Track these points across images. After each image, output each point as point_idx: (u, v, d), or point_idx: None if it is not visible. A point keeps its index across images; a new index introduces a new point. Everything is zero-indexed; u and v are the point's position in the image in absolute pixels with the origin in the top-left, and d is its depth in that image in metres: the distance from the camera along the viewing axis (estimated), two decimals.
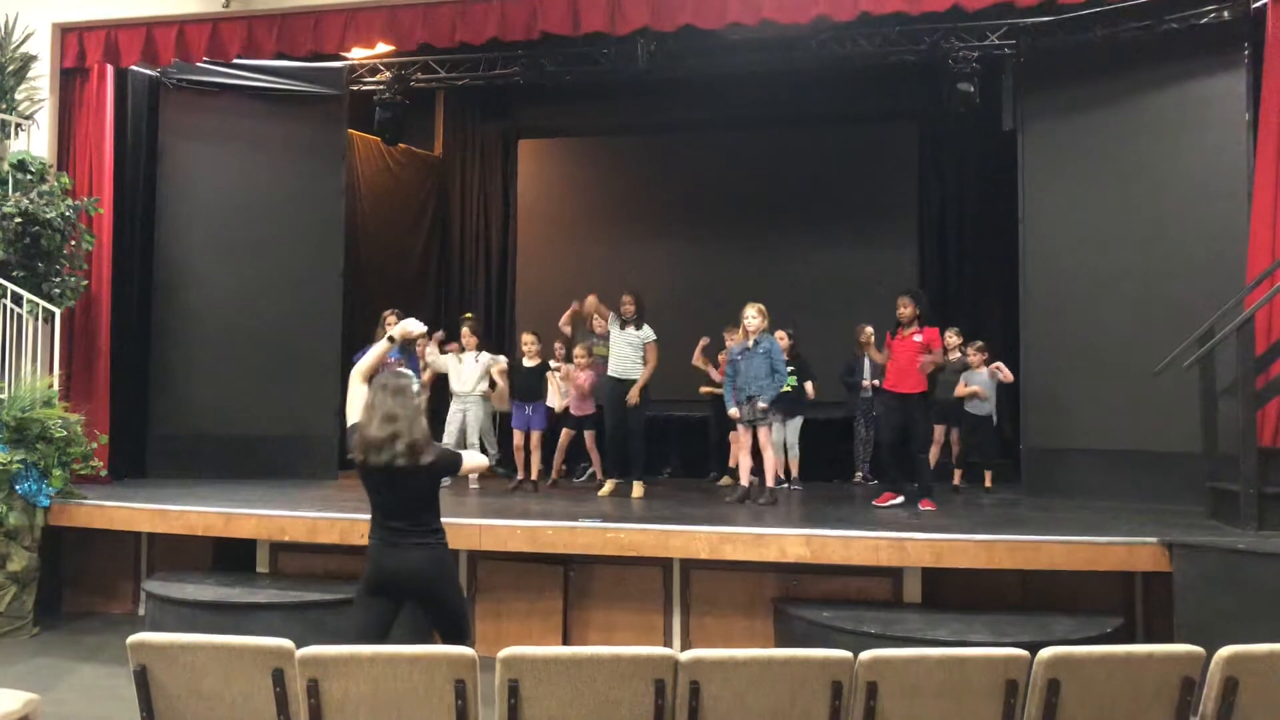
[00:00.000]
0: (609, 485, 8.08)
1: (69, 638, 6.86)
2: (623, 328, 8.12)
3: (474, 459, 4.57)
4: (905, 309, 7.25)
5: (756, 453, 7.54)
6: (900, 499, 7.27)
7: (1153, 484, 7.18)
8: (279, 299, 9.05)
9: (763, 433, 7.46)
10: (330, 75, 9.46)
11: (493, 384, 8.41)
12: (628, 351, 8.05)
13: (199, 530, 6.76)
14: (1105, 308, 7.67)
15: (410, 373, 5.01)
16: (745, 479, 7.58)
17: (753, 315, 7.46)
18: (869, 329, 8.95)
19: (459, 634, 4.09)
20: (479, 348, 8.53)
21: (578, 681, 2.99)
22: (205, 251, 9.06)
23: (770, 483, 7.57)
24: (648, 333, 8.06)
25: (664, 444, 10.33)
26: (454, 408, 8.49)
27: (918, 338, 7.19)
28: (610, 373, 8.17)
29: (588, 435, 8.87)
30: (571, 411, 8.76)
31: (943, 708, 3.04)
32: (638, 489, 7.93)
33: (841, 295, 10.19)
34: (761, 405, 7.35)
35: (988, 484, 8.50)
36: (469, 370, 8.46)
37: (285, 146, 9.31)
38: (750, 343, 7.45)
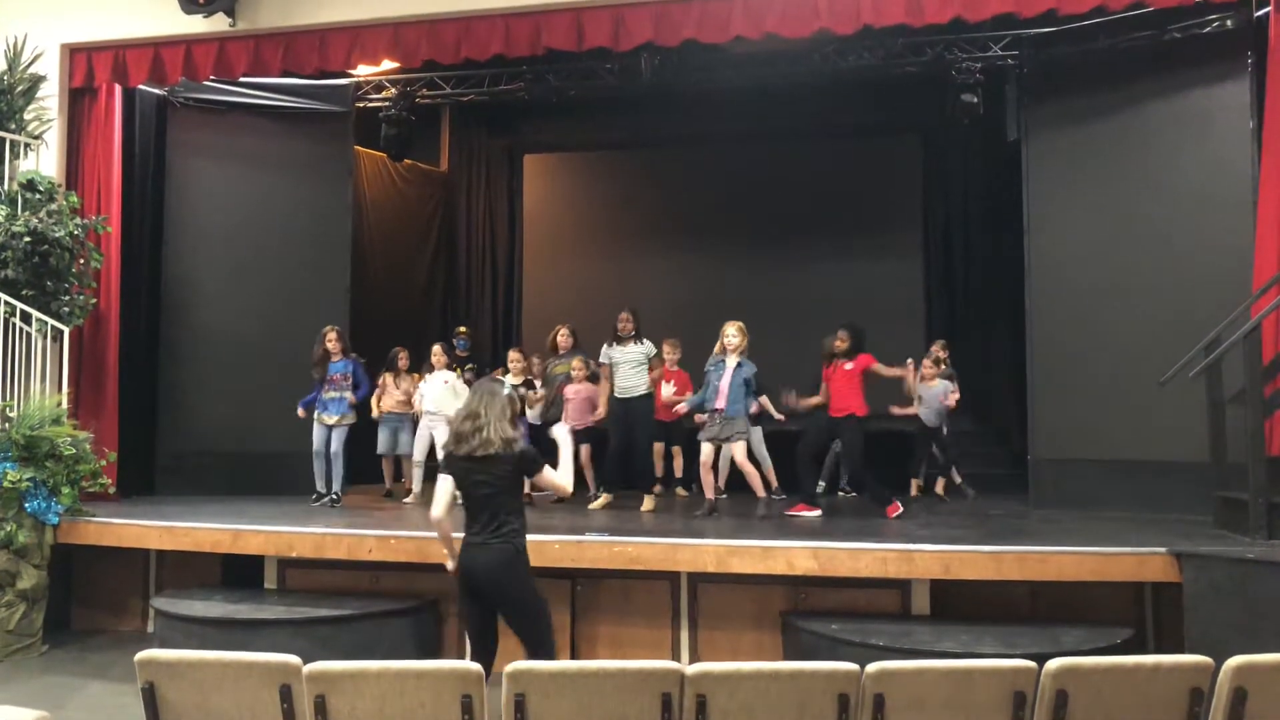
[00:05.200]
0: (649, 501, 7.95)
1: (78, 655, 6.86)
2: (621, 344, 8.08)
3: (555, 476, 4.60)
4: (843, 343, 7.55)
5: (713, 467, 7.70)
6: (817, 511, 7.48)
7: (1161, 494, 7.15)
8: (286, 316, 9.08)
9: (739, 448, 7.50)
10: (336, 92, 9.52)
11: None
12: (631, 370, 8.02)
13: (207, 547, 6.77)
14: (1111, 317, 7.65)
15: (503, 380, 5.13)
16: (710, 493, 7.58)
17: (733, 334, 7.51)
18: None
19: (535, 638, 4.32)
20: (448, 367, 8.52)
21: (584, 696, 3.00)
22: (213, 269, 9.11)
23: (760, 494, 7.61)
24: (649, 346, 8.10)
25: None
26: (422, 425, 8.46)
27: (848, 366, 7.50)
28: (616, 394, 8.08)
29: (583, 450, 8.81)
30: (573, 426, 8.69)
31: None
32: (649, 502, 7.90)
33: (846, 309, 10.20)
34: (740, 430, 7.45)
35: (940, 491, 8.91)
36: (435, 390, 8.38)
37: (292, 164, 9.36)
38: (733, 363, 7.44)
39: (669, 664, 3.07)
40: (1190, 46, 7.50)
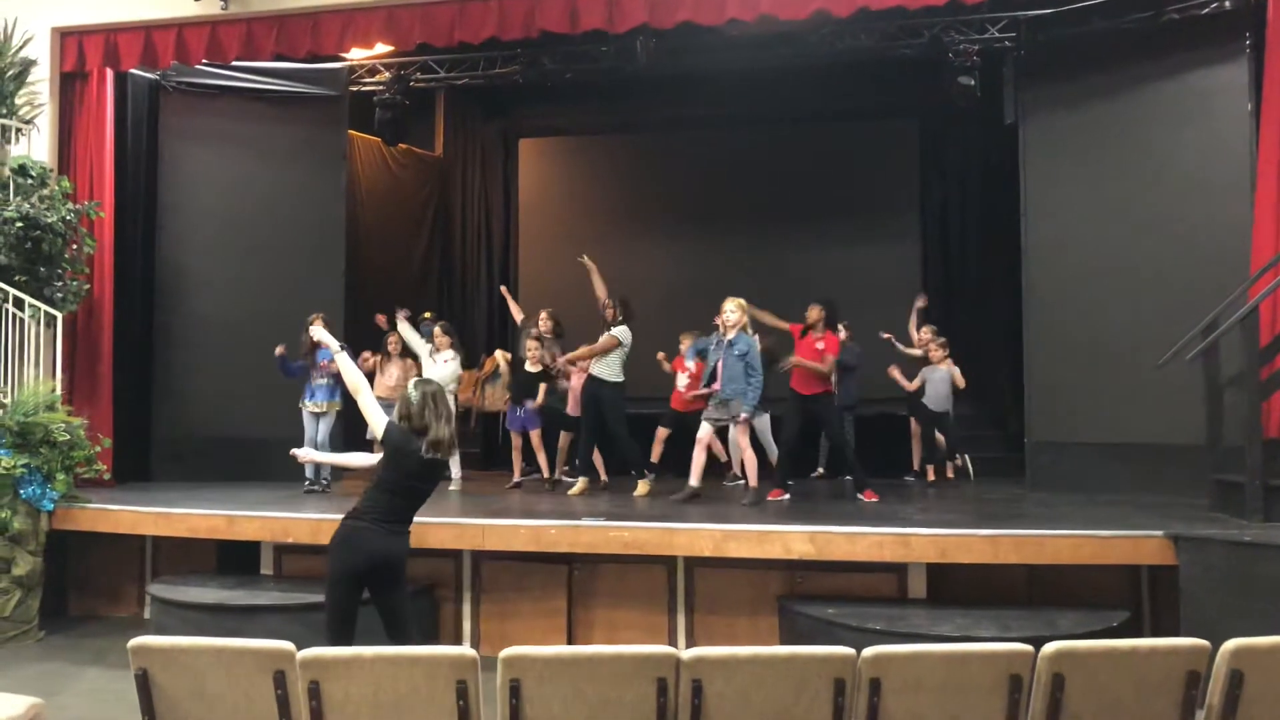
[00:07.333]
0: (581, 484, 7.99)
1: (74, 642, 6.86)
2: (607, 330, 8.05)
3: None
4: (814, 314, 7.56)
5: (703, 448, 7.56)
6: (787, 496, 7.41)
7: (1158, 477, 7.16)
8: (281, 301, 9.02)
9: (740, 431, 7.31)
10: (330, 76, 9.46)
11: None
12: (609, 358, 7.95)
13: (203, 533, 6.76)
14: (1108, 300, 7.64)
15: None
16: (695, 478, 7.41)
17: (731, 310, 7.20)
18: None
19: (409, 624, 4.50)
20: (451, 347, 8.45)
21: (579, 681, 2.98)
22: (207, 254, 9.07)
23: (753, 482, 7.29)
24: (621, 330, 7.94)
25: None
26: None
27: (819, 344, 7.46)
28: (592, 372, 8.05)
29: (563, 435, 8.79)
30: (568, 411, 8.72)
31: (946, 703, 3.03)
32: (643, 486, 7.87)
33: (844, 292, 10.20)
34: (744, 416, 7.17)
35: (950, 475, 8.92)
36: (440, 371, 8.24)
37: (285, 148, 9.31)
38: (727, 340, 7.19)
39: (664, 649, 3.05)
40: (1188, 28, 7.47)
